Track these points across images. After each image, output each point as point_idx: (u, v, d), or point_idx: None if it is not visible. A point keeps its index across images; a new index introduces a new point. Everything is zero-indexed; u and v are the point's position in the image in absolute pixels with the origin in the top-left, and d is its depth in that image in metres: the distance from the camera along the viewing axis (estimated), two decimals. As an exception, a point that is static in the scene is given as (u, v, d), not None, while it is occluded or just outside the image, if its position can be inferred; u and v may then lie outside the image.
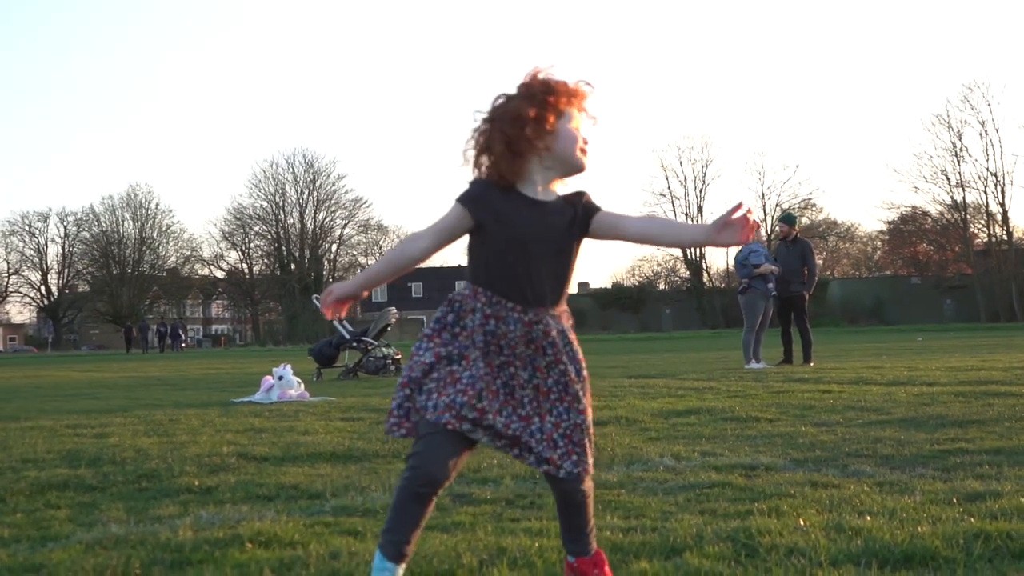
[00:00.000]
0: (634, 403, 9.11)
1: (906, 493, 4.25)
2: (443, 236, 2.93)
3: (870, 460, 5.35)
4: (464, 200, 2.90)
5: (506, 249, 2.88)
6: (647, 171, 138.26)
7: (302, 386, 11.20)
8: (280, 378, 10.92)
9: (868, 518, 3.70)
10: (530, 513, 4.15)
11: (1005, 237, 66.53)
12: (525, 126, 2.83)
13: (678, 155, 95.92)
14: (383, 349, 15.91)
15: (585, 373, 3.03)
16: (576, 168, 2.93)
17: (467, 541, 3.60)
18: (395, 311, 16.99)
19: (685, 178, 78.93)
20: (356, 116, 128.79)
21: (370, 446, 6.35)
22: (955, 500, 4.03)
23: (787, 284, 15.49)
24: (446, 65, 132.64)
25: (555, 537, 3.60)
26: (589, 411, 3.00)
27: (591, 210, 2.95)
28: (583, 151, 2.92)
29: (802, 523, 3.66)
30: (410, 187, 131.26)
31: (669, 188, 79.41)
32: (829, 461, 5.36)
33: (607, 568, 2.98)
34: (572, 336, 3.00)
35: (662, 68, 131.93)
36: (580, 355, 3.01)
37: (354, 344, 15.95)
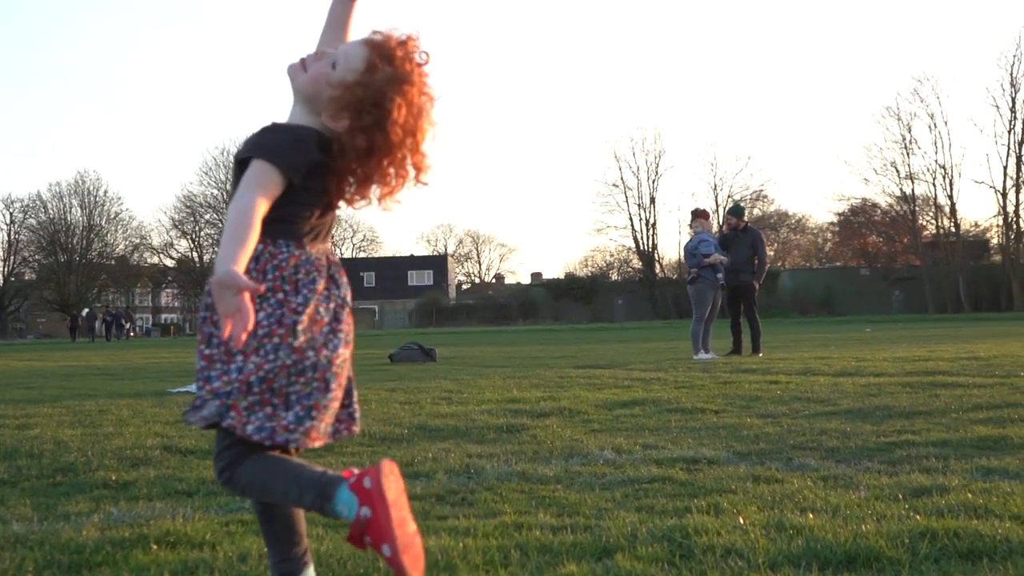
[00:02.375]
0: (579, 394, 8.94)
1: (851, 488, 4.09)
2: None
3: (815, 453, 5.20)
4: None
5: None
6: (600, 161, 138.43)
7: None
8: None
9: (811, 515, 3.53)
10: (459, 511, 3.95)
11: (953, 229, 67.16)
12: None
13: (631, 146, 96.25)
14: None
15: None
16: (288, 73, 2.67)
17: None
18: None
19: (638, 168, 78.94)
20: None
21: (302, 438, 6.11)
22: (901, 496, 3.88)
23: (737, 274, 15.40)
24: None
25: (482, 537, 3.41)
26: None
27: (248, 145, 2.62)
28: (305, 57, 2.67)
29: (742, 521, 3.48)
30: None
31: (622, 179, 79.47)
32: (773, 454, 5.21)
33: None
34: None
35: (616, 58, 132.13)
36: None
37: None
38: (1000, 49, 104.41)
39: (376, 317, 74.80)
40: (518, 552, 3.18)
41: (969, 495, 3.78)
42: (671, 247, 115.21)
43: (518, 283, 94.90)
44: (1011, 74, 62.75)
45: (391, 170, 2.53)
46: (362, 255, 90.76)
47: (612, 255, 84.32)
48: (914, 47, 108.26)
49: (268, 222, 2.43)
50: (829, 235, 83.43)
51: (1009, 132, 63.15)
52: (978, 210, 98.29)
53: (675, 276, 76.07)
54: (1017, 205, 63.33)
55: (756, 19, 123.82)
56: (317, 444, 2.55)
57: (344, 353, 2.60)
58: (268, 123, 2.58)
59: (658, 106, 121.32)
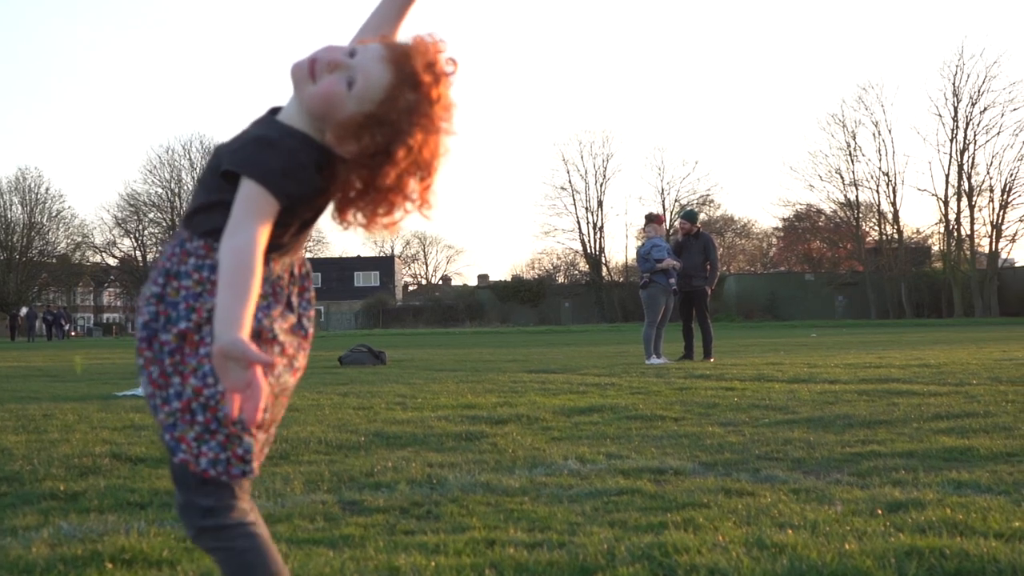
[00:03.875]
0: (535, 399, 8.84)
1: (825, 502, 4.02)
2: None
3: (781, 464, 5.14)
4: None
5: None
6: (548, 164, 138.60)
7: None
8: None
9: (790, 532, 3.44)
10: (426, 524, 3.82)
11: (896, 236, 67.91)
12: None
13: (579, 149, 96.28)
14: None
15: (167, 338, 2.16)
16: (291, 76, 2.24)
17: (355, 560, 3.26)
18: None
19: (586, 172, 78.95)
20: (255, 102, 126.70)
21: (256, 446, 5.94)
22: (878, 510, 3.81)
23: (689, 279, 15.37)
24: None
25: (453, 555, 3.29)
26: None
27: (238, 155, 2.15)
28: (311, 59, 2.19)
29: (721, 538, 3.39)
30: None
31: (570, 182, 79.43)
32: (739, 464, 5.13)
33: None
34: (176, 269, 2.21)
35: (565, 61, 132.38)
36: (181, 305, 2.17)
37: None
38: (943, 59, 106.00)
39: (322, 318, 74.28)
40: (492, 571, 3.07)
41: (948, 511, 3.71)
42: (618, 250, 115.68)
43: (465, 285, 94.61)
44: (953, 84, 63.60)
45: (393, 201, 2.18)
46: (308, 256, 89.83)
47: (559, 258, 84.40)
48: (860, 55, 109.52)
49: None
50: (774, 240, 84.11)
51: (951, 141, 64.00)
52: (920, 217, 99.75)
53: (622, 279, 76.30)
54: (958, 213, 64.18)
55: (704, 24, 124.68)
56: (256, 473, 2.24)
57: (289, 381, 2.27)
58: (264, 125, 2.21)
59: (606, 109, 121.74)
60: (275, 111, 2.28)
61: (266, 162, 2.09)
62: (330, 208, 2.23)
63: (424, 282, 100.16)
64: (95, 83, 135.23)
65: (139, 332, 2.20)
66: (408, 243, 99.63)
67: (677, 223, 16.00)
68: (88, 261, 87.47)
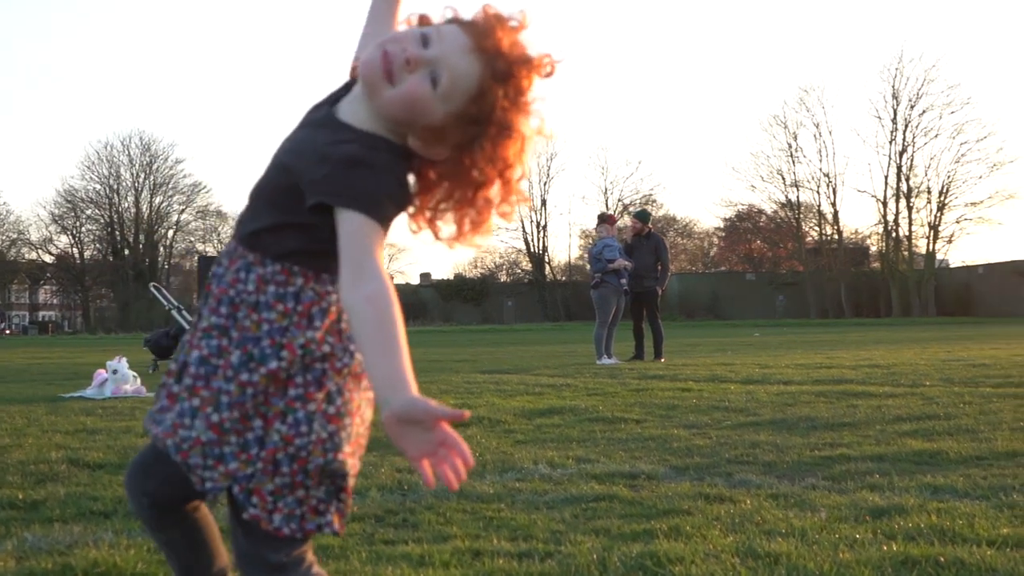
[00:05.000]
0: (493, 401, 8.77)
1: (807, 508, 3.99)
2: None
3: (753, 468, 5.11)
4: None
5: None
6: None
7: (138, 380, 10.49)
8: (114, 372, 10.20)
9: (780, 540, 3.40)
10: (405, 534, 3.74)
11: (835, 236, 68.65)
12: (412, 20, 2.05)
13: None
14: (224, 341, 15.21)
15: (266, 368, 1.91)
16: (359, 75, 1.96)
17: (340, 573, 3.16)
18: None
19: (529, 171, 79.05)
20: (196, 99, 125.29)
21: (217, 451, 5.81)
22: (864, 517, 3.78)
23: (640, 279, 15.39)
24: (284, 49, 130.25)
25: (440, 566, 3.21)
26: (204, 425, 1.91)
27: (334, 180, 1.86)
28: (385, 55, 1.89)
29: (711, 547, 3.34)
30: (252, 172, 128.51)
31: (513, 181, 79.41)
32: (711, 469, 5.10)
33: None
34: (254, 298, 1.95)
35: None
36: (264, 341, 1.92)
37: (193, 335, 15.19)
38: (883, 62, 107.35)
39: (263, 317, 73.65)
40: (483, 583, 2.99)
41: (933, 518, 3.70)
42: (561, 249, 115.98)
43: (407, 283, 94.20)
44: (893, 86, 64.39)
45: (481, 202, 1.96)
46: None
47: (502, 256, 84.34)
48: (801, 58, 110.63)
49: (312, 252, 1.92)
50: (716, 240, 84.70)
51: (890, 143, 64.80)
52: (859, 218, 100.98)
53: (564, 278, 76.45)
54: (897, 214, 65.02)
55: (648, 24, 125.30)
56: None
57: (368, 414, 2.06)
58: (344, 135, 1.91)
59: (550, 108, 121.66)
60: (322, 105, 2.03)
61: (368, 189, 1.85)
62: (404, 218, 1.99)
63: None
64: (30, 76, 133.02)
65: (193, 368, 1.92)
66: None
67: (628, 221, 15.99)
68: (23, 258, 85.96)
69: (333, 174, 1.84)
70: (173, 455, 1.91)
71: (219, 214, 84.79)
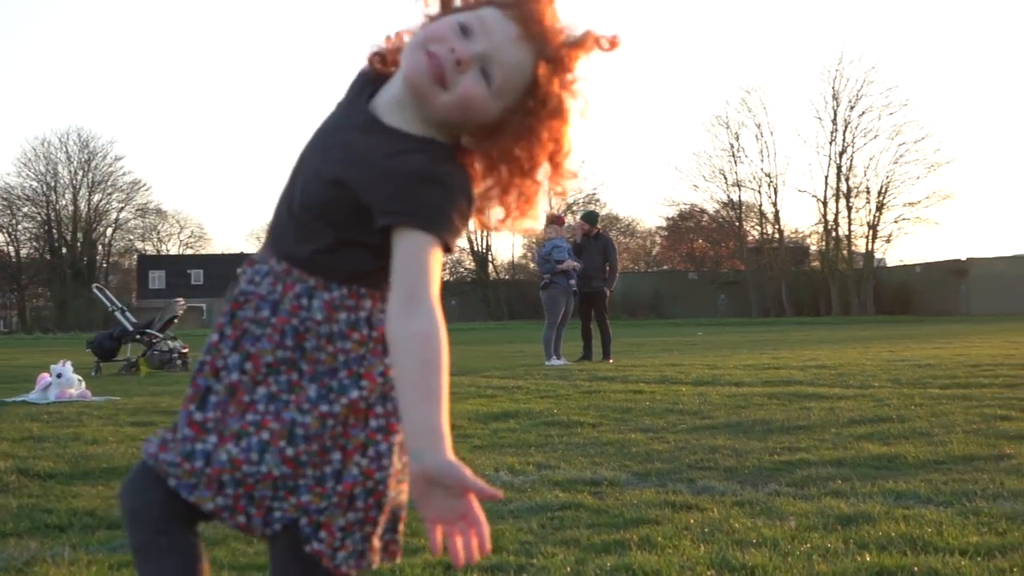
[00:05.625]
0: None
1: (776, 517, 3.99)
2: None
3: (715, 474, 5.11)
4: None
5: None
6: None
7: (83, 384, 10.31)
8: (59, 376, 10.00)
9: (753, 551, 3.39)
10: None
11: (776, 236, 69.35)
12: None
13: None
14: (169, 342, 15.01)
15: (347, 399, 1.76)
16: (403, 75, 1.79)
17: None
18: (183, 302, 16.06)
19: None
20: (136, 95, 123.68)
21: (171, 459, 5.70)
22: (833, 525, 3.79)
23: (589, 280, 15.40)
24: (224, 46, 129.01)
25: (413, 581, 3.16)
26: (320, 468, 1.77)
27: (401, 198, 1.71)
28: (432, 58, 1.74)
29: (684, 559, 3.32)
30: (193, 169, 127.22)
31: (454, 178, 79.32)
32: (672, 474, 5.09)
33: None
34: (328, 328, 1.79)
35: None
36: (341, 373, 1.78)
37: (137, 336, 14.98)
38: (824, 64, 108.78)
39: (204, 316, 72.81)
40: (458, 599, 2.94)
41: (901, 526, 3.71)
42: (504, 248, 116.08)
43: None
44: (833, 88, 65.10)
45: (530, 187, 1.84)
46: (190, 252, 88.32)
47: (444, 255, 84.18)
48: (744, 59, 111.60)
49: (378, 272, 1.75)
50: (658, 239, 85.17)
51: (830, 143, 65.53)
52: (800, 218, 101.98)
53: (507, 277, 76.50)
54: (836, 214, 65.79)
55: (591, 23, 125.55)
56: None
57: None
58: (404, 144, 1.75)
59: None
60: (355, 105, 1.85)
61: (440, 208, 1.70)
62: None
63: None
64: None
65: (260, 405, 1.76)
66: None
67: (573, 221, 15.99)
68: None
69: (402, 192, 1.70)
70: (225, 491, 1.74)
71: (159, 212, 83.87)
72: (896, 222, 65.58)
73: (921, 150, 65.15)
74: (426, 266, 1.66)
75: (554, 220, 15.61)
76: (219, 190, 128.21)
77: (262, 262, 1.84)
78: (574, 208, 74.62)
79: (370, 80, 1.88)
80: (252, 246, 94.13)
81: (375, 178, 1.72)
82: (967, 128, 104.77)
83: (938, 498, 4.29)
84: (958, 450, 5.54)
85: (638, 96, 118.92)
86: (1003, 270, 58.63)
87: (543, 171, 1.82)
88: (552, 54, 1.76)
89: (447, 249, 1.70)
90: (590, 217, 16.36)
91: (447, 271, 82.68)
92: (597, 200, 78.23)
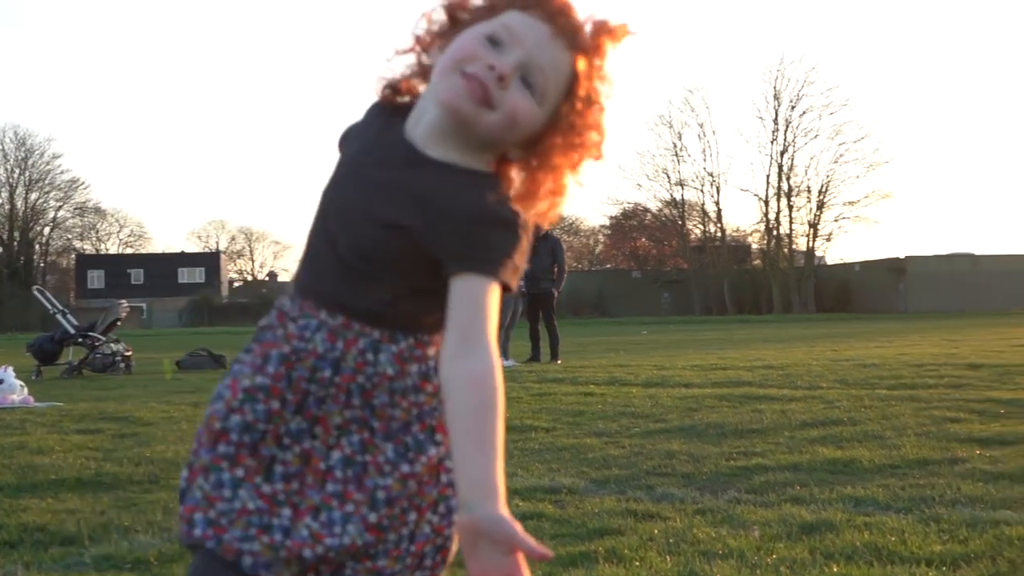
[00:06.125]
0: (398, 409, 8.64)
1: (738, 526, 3.99)
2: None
3: (673, 480, 5.11)
4: (340, 136, 1.87)
5: (319, 200, 1.78)
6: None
7: (25, 390, 10.11)
8: (0, 381, 9.81)
9: (720, 562, 3.39)
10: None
11: (719, 234, 69.89)
12: (439, 11, 1.75)
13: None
14: (112, 345, 14.78)
15: (424, 457, 1.67)
16: (440, 103, 1.67)
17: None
18: (125, 304, 15.83)
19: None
20: (75, 92, 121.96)
21: (121, 469, 5.61)
22: (797, 534, 3.79)
23: (537, 282, 15.39)
24: (159, 43, 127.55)
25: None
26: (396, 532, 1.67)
27: (462, 238, 1.60)
28: (472, 80, 1.63)
29: (653, 571, 3.31)
30: (133, 168, 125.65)
31: (399, 178, 79.13)
32: (631, 481, 5.09)
33: None
34: (402, 383, 1.68)
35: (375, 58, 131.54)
36: (415, 427, 1.69)
37: (79, 339, 14.74)
38: (766, 64, 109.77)
39: (144, 316, 71.96)
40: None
41: (865, 534, 3.73)
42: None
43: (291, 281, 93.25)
44: (775, 88, 65.75)
45: (558, 181, 1.73)
46: (129, 251, 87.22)
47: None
48: (687, 58, 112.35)
49: (440, 315, 1.63)
50: (601, 238, 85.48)
51: (772, 143, 66.16)
52: (742, 216, 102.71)
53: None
54: (778, 213, 66.45)
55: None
56: None
57: None
58: (472, 192, 1.64)
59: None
60: (388, 137, 1.73)
61: (503, 250, 1.60)
62: None
63: (251, 278, 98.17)
64: None
65: (338, 471, 1.64)
66: (234, 238, 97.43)
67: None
68: None
69: (468, 236, 1.60)
70: (304, 563, 1.62)
71: (98, 211, 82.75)
72: (836, 221, 66.39)
73: (861, 150, 66.16)
74: (483, 306, 1.57)
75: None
76: (159, 188, 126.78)
77: (307, 316, 1.69)
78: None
79: (389, 111, 1.79)
80: (192, 245, 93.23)
81: (438, 221, 1.62)
82: (905, 128, 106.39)
83: (897, 504, 4.32)
84: (912, 454, 5.58)
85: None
86: (940, 268, 59.60)
87: (574, 159, 1.73)
88: (586, 45, 1.68)
89: (507, 289, 1.61)
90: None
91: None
92: (540, 198, 78.28)
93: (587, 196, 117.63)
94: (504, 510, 1.43)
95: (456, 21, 1.72)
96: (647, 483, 5.01)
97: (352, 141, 1.81)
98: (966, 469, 5.14)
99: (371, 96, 1.82)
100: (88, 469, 5.61)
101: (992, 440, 6.04)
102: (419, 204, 1.63)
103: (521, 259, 1.63)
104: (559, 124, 1.69)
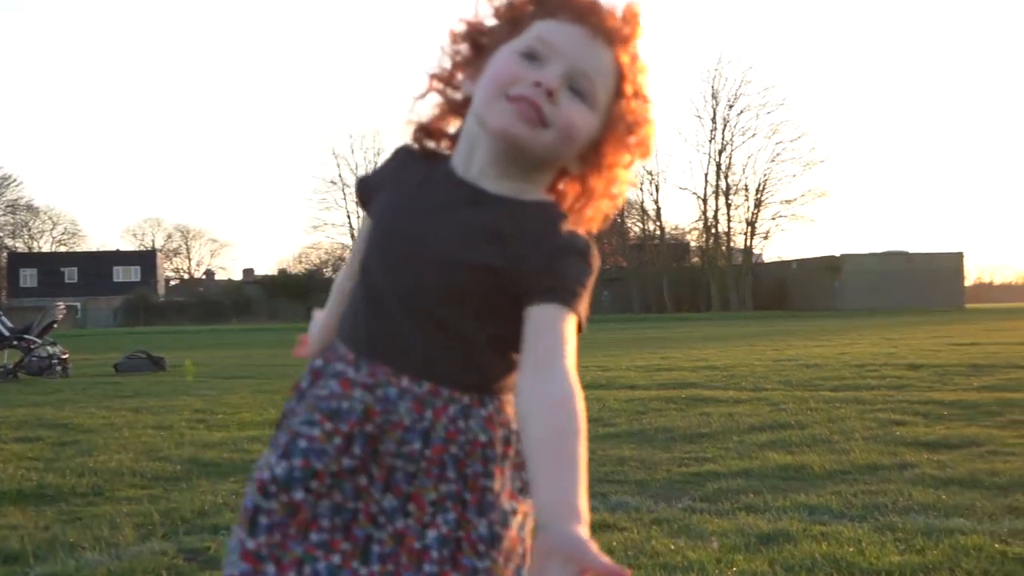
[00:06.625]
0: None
1: (696, 536, 3.97)
2: (360, 242, 1.75)
3: (626, 487, 5.09)
4: (358, 183, 1.76)
5: (369, 245, 1.65)
6: (318, 158, 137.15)
7: (-41, 396, 9.87)
8: (-67, 387, 9.56)
9: (681, 577, 3.37)
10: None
11: (658, 232, 70.40)
12: (457, 40, 1.67)
13: (350, 143, 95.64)
14: (48, 348, 14.50)
15: (510, 532, 1.56)
16: (492, 133, 1.57)
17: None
18: (62, 306, 15.56)
19: (357, 166, 78.49)
20: (3, 89, 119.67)
21: (63, 480, 5.48)
22: (755, 545, 3.79)
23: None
24: (90, 38, 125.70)
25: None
26: None
27: (539, 272, 1.50)
28: (521, 102, 1.54)
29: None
30: (66, 165, 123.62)
31: (340, 176, 78.76)
32: (584, 489, 5.05)
33: None
34: (493, 451, 1.57)
35: (335, 55, 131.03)
36: (502, 498, 1.57)
37: (14, 342, 14.44)
38: (704, 63, 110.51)
39: (79, 315, 70.86)
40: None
41: (823, 545, 3.73)
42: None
43: (229, 279, 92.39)
44: (712, 87, 66.48)
45: (612, 184, 1.65)
46: (63, 249, 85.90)
47: (328, 252, 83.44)
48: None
49: (513, 370, 1.55)
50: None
51: (710, 142, 66.88)
52: (681, 215, 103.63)
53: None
54: (716, 211, 67.06)
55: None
56: None
57: None
58: (550, 225, 1.56)
59: (377, 104, 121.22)
60: (439, 179, 1.63)
61: (580, 281, 1.52)
62: None
63: (187, 277, 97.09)
64: None
65: (434, 551, 1.53)
66: (170, 236, 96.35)
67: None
68: None
69: (550, 269, 1.51)
70: None
71: (30, 208, 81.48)
72: (773, 219, 67.15)
73: (797, 149, 67.05)
74: (562, 333, 1.46)
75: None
76: (93, 185, 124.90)
77: (386, 384, 1.56)
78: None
79: (422, 155, 1.70)
80: (128, 243, 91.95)
81: (519, 257, 1.52)
82: (840, 128, 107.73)
83: (851, 512, 4.33)
84: (861, 459, 5.62)
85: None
86: (874, 266, 60.45)
87: (629, 157, 1.65)
88: (623, 37, 1.60)
89: (580, 327, 1.51)
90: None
91: (331, 268, 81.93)
92: (481, 197, 78.36)
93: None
94: (584, 532, 1.30)
95: (479, 47, 1.64)
96: (600, 491, 4.98)
97: (388, 190, 1.69)
98: (916, 474, 5.18)
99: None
100: (29, 480, 5.48)
101: (938, 444, 6.10)
102: (497, 242, 1.54)
103: (590, 290, 1.55)
104: (614, 125, 1.61)
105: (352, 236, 77.74)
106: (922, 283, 59.09)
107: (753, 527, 4.08)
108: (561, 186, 1.65)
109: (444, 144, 1.70)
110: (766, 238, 68.32)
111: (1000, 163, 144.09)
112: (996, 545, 3.69)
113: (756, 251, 69.03)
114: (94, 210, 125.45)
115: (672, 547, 3.80)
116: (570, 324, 1.48)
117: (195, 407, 9.43)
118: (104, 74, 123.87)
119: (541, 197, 1.61)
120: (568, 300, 1.48)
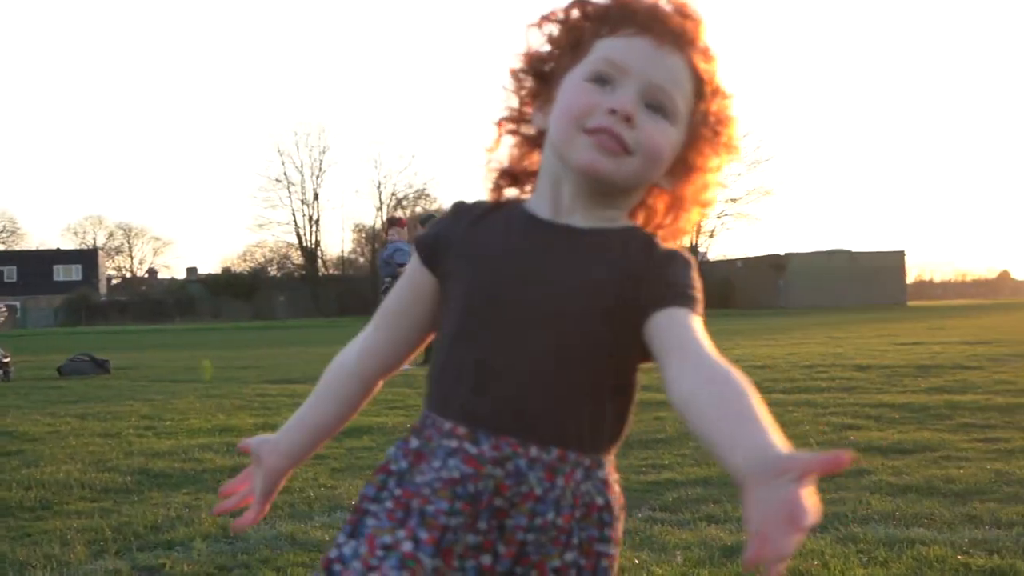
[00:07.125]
0: (295, 419, 8.44)
1: (659, 549, 3.95)
2: (389, 316, 1.70)
3: (585, 497, 5.06)
4: (420, 243, 1.64)
5: (463, 312, 1.55)
6: (263, 155, 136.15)
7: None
8: None
9: (648, 593, 3.35)
10: (249, 598, 3.49)
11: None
12: (519, 75, 1.61)
13: (295, 140, 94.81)
14: (-11, 351, 14.24)
15: None
16: (575, 170, 1.51)
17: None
18: (3, 308, 15.27)
19: (302, 164, 78.02)
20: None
21: (9, 494, 5.35)
22: (718, 558, 3.77)
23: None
24: (34, 27, 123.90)
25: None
26: None
27: (656, 286, 1.47)
28: (599, 134, 1.48)
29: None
30: (2, 161, 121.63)
31: (285, 174, 78.17)
32: (542, 499, 5.02)
33: None
34: (610, 514, 1.52)
35: (279, 50, 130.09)
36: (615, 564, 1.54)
37: (-47, 346, 14.16)
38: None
39: (18, 315, 69.75)
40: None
41: (792, 562, 3.71)
42: (334, 244, 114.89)
43: (173, 278, 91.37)
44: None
45: (703, 191, 1.62)
46: (1, 248, 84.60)
47: (272, 251, 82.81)
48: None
49: (624, 427, 1.57)
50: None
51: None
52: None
53: (338, 272, 75.69)
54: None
55: (420, 20, 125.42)
56: None
57: None
58: (652, 247, 1.52)
59: (322, 101, 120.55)
60: (527, 231, 1.55)
61: (695, 285, 1.50)
62: None
63: (129, 275, 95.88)
64: None
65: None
66: (112, 234, 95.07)
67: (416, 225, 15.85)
68: None
69: (670, 282, 1.47)
70: None
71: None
72: (719, 217, 67.63)
73: (742, 147, 67.51)
74: (695, 326, 1.41)
75: (395, 222, 15.45)
76: (32, 182, 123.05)
77: (514, 455, 1.47)
78: (404, 203, 74.53)
79: (493, 206, 1.62)
80: (68, 241, 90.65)
81: (639, 279, 1.47)
82: (785, 127, 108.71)
83: (812, 522, 4.32)
84: (817, 465, 5.62)
85: (469, 90, 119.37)
86: (819, 264, 61.04)
87: (720, 160, 1.61)
88: (692, 37, 1.53)
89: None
90: (427, 220, 16.25)
91: (275, 266, 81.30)
92: (427, 195, 78.29)
93: (474, 191, 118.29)
94: (784, 450, 1.18)
95: (543, 76, 1.58)
96: (559, 501, 4.95)
97: (467, 252, 1.57)
98: (873, 482, 5.20)
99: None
100: (-9, 501, 5.34)
101: (892, 449, 6.14)
102: (609, 282, 1.48)
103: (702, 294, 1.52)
104: (698, 129, 1.56)
105: (297, 235, 77.26)
106: (865, 281, 59.72)
107: (716, 539, 4.06)
108: (650, 200, 1.59)
109: (528, 187, 1.63)
110: (711, 236, 68.83)
111: (940, 162, 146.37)
112: (959, 556, 3.71)
113: (702, 249, 69.48)
114: (33, 208, 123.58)
115: (636, 561, 3.78)
116: (698, 322, 1.43)
117: (142, 413, 9.27)
118: (41, 68, 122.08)
119: (627, 223, 1.56)
120: (689, 303, 1.44)
